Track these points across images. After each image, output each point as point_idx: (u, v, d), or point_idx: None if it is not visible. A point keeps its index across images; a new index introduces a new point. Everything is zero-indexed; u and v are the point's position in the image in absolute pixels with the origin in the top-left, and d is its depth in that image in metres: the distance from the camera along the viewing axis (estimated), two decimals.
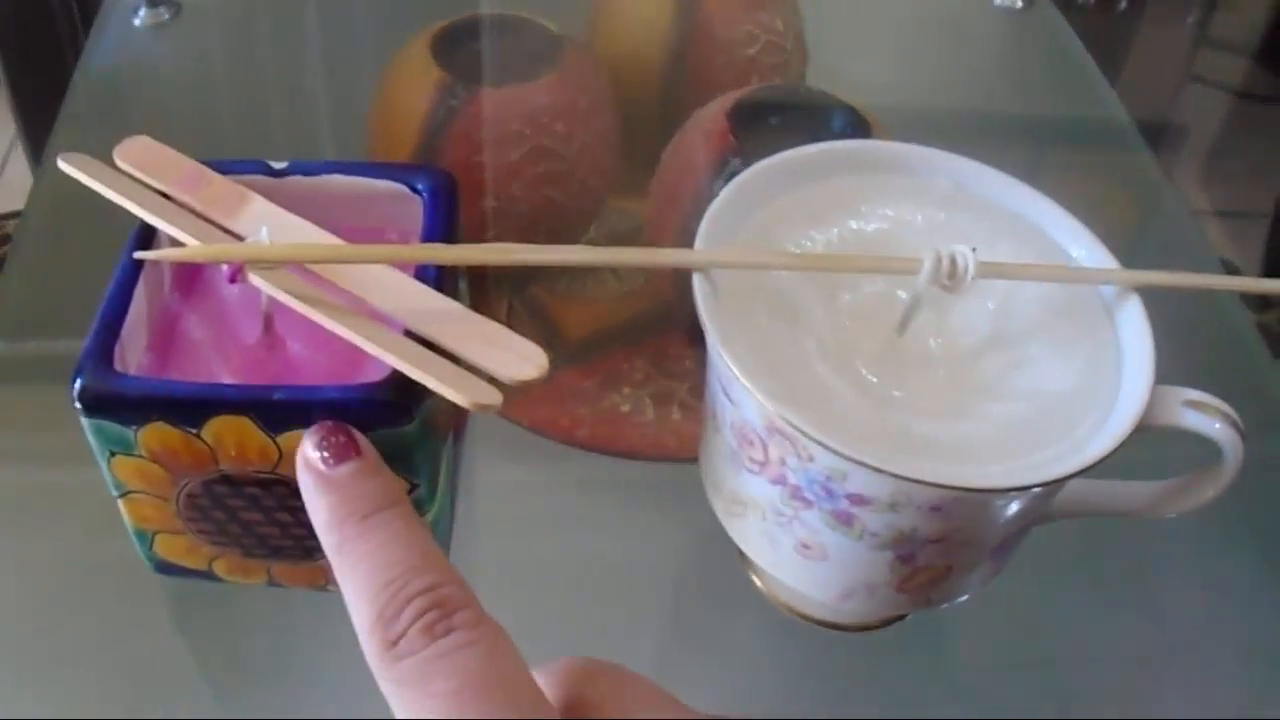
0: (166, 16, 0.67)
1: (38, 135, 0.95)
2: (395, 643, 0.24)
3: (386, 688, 0.24)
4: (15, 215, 0.95)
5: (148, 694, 0.39)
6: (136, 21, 0.66)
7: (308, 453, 0.29)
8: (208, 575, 0.37)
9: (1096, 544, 0.45)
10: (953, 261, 0.32)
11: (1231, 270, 1.22)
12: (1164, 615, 0.44)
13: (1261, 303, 1.14)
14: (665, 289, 0.51)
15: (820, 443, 0.29)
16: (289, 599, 0.38)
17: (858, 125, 0.46)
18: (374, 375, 0.32)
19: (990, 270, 0.33)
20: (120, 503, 0.34)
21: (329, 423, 0.30)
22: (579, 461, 0.46)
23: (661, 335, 0.51)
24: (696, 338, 0.50)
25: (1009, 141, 0.68)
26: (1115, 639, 0.43)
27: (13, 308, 0.52)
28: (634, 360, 0.50)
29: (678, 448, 0.46)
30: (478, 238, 0.49)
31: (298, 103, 0.64)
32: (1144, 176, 0.65)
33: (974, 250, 0.32)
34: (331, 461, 0.29)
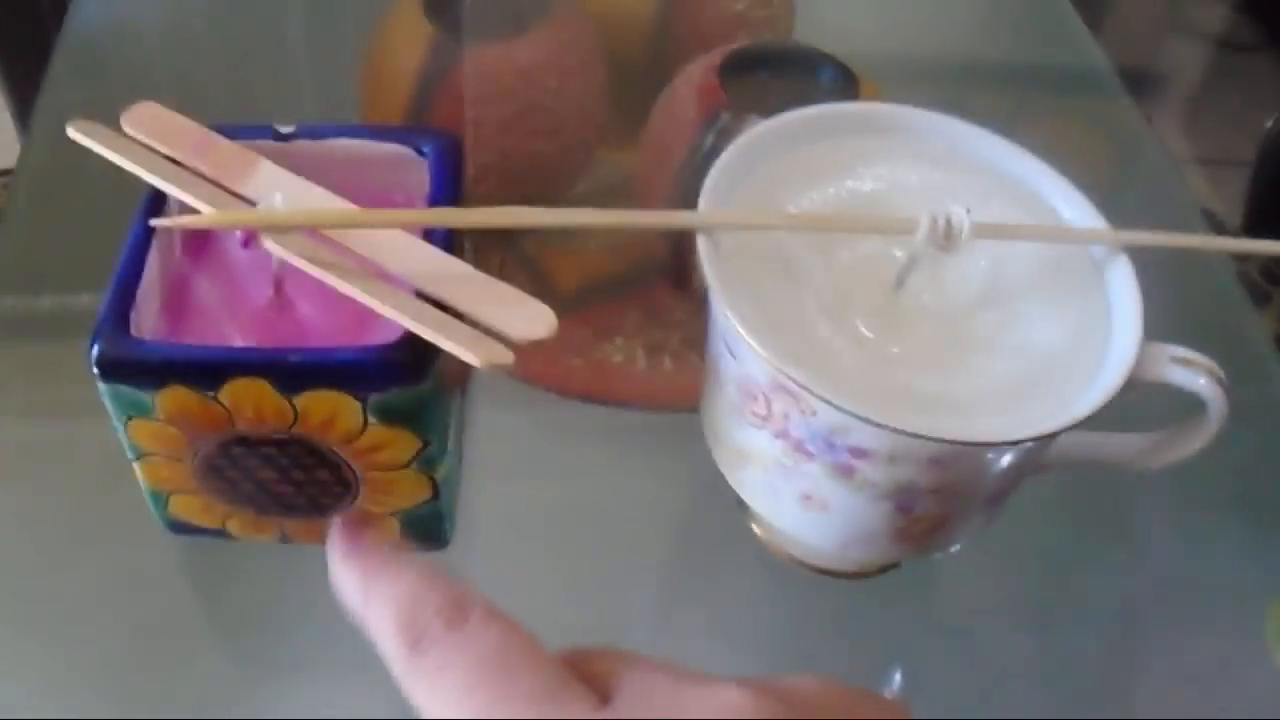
0: None
1: (20, 91, 0.94)
2: (418, 640, 0.25)
3: (412, 683, 0.25)
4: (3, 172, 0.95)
5: (159, 647, 0.40)
6: None
7: (337, 543, 0.29)
8: (221, 534, 0.38)
9: (1085, 492, 0.46)
10: (948, 222, 0.33)
11: (1213, 219, 1.23)
12: (1149, 560, 0.45)
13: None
14: (654, 240, 0.51)
15: (823, 399, 0.30)
16: (299, 554, 0.39)
17: (844, 78, 0.47)
18: (383, 336, 0.32)
19: (984, 231, 0.33)
20: (136, 465, 0.35)
21: (345, 515, 0.30)
22: (574, 411, 0.46)
23: (652, 286, 0.52)
24: (686, 288, 0.51)
25: (993, 91, 0.68)
26: (1102, 584, 0.44)
27: (8, 265, 0.52)
28: (625, 311, 0.50)
29: (670, 397, 0.46)
30: (472, 192, 0.49)
31: (286, 61, 0.64)
32: (1126, 125, 0.66)
33: (969, 211, 0.33)
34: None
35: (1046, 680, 0.41)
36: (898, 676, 0.41)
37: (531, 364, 0.47)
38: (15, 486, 0.44)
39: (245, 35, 0.65)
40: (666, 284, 0.52)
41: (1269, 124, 1.02)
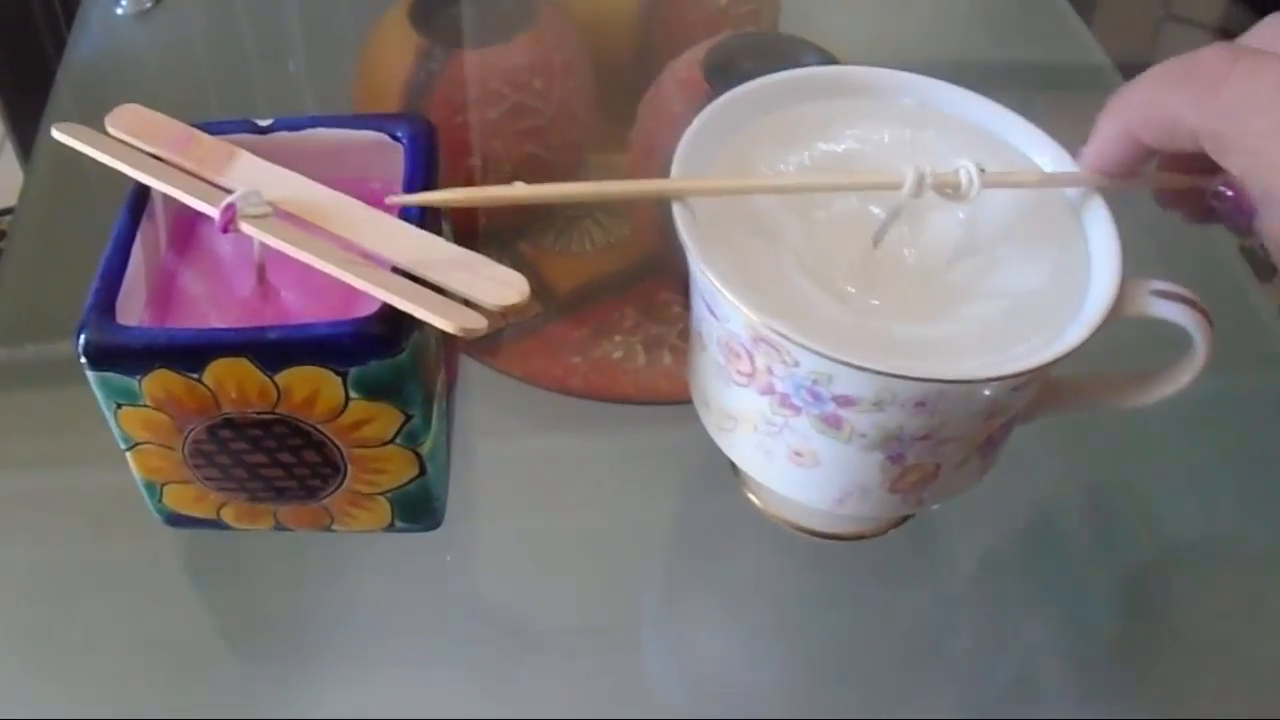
0: (148, 4, 0.67)
1: (22, 130, 0.95)
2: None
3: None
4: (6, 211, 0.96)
5: (165, 649, 0.40)
6: (119, 10, 0.67)
7: None
8: (216, 524, 0.38)
9: (1091, 455, 0.46)
10: (957, 175, 0.33)
11: None
12: (1159, 523, 0.45)
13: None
14: (649, 239, 0.52)
15: (805, 346, 0.30)
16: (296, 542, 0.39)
17: (829, 64, 0.47)
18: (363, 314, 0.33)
19: (993, 181, 0.33)
20: (129, 456, 0.36)
21: None
22: (570, 401, 0.47)
23: (648, 283, 0.52)
24: (682, 285, 0.51)
25: (986, 89, 0.68)
26: (1111, 547, 0.44)
27: (11, 296, 0.53)
28: (623, 309, 0.51)
29: (670, 390, 0.47)
30: None
31: (284, 81, 0.65)
32: None
33: (982, 170, 0.33)
34: None
35: (1053, 644, 0.41)
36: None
37: (532, 364, 0.48)
38: (19, 537, 0.44)
39: (242, 60, 0.66)
40: (662, 281, 0.52)
41: None
